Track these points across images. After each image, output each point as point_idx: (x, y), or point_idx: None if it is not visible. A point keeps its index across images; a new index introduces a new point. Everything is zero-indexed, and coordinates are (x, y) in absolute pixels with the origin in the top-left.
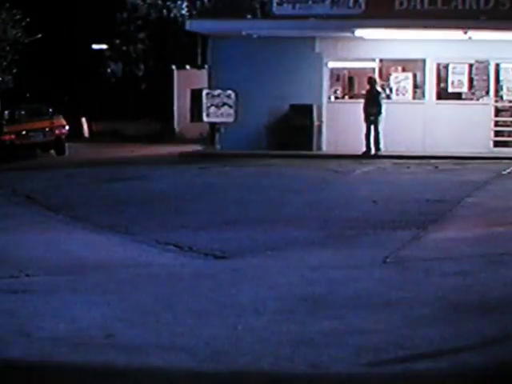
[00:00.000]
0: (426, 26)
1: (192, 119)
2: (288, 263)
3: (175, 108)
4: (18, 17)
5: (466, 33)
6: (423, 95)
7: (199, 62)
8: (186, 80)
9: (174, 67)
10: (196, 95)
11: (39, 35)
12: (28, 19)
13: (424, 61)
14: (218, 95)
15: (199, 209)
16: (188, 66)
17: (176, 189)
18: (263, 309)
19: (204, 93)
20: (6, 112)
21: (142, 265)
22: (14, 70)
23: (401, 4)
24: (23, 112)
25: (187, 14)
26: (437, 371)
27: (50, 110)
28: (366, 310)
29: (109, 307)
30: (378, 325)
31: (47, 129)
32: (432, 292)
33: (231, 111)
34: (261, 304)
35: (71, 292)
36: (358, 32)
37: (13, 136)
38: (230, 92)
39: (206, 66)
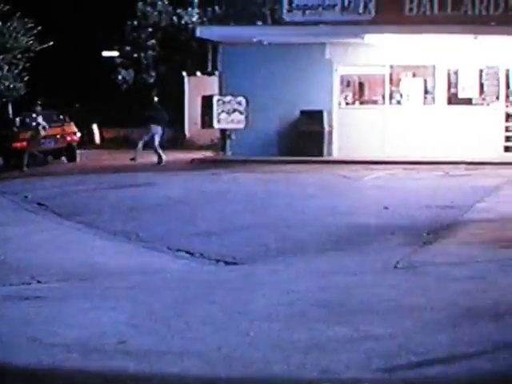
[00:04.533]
0: (435, 32)
1: (203, 126)
2: (300, 269)
3: (186, 114)
4: (29, 25)
5: (475, 38)
6: (433, 100)
7: (210, 68)
8: (197, 87)
9: (184, 74)
10: (207, 102)
11: (51, 43)
12: (39, 27)
13: (434, 66)
14: (229, 101)
15: (211, 215)
16: (199, 73)
17: (187, 195)
18: (275, 315)
19: (215, 99)
20: (18, 119)
21: (153, 271)
22: (26, 78)
23: (410, 10)
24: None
25: (198, 20)
26: (448, 377)
27: (61, 117)
28: (377, 315)
29: (121, 313)
30: (390, 330)
31: (58, 136)
32: (443, 297)
33: (242, 117)
34: (273, 310)
35: (83, 298)
36: (368, 38)
37: (24, 143)
38: (240, 98)
39: (217, 73)
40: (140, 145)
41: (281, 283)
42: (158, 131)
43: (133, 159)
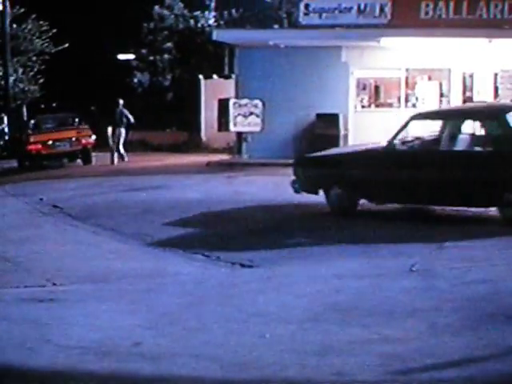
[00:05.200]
0: (450, 35)
1: (219, 129)
2: (314, 272)
3: (202, 117)
4: (44, 28)
5: (490, 42)
6: (449, 104)
7: (226, 71)
8: (213, 90)
9: (201, 77)
10: (223, 105)
11: (66, 45)
12: (54, 30)
13: (449, 70)
14: (245, 105)
15: (226, 217)
16: (215, 76)
17: (203, 198)
18: (290, 317)
19: (231, 102)
20: (32, 121)
21: (169, 274)
22: (41, 80)
23: (426, 13)
24: (49, 122)
25: (214, 24)
26: (463, 380)
27: (77, 119)
28: (392, 318)
29: (136, 316)
30: (405, 333)
31: (74, 138)
32: (458, 300)
33: (258, 120)
34: (288, 313)
35: (98, 301)
36: (384, 41)
37: (39, 146)
38: (256, 101)
39: (233, 76)
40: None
41: (296, 286)
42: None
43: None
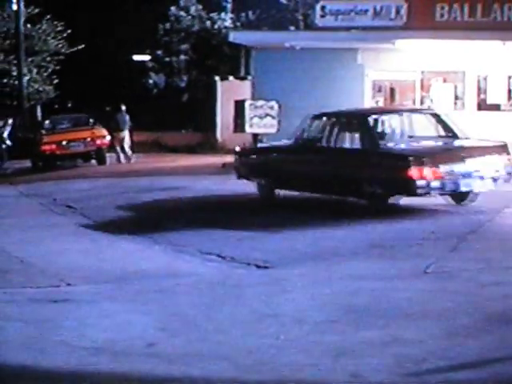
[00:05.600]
0: (465, 38)
1: (235, 130)
2: (330, 273)
3: (218, 119)
4: (58, 28)
5: (504, 44)
6: (463, 106)
7: (242, 73)
8: (229, 91)
9: (217, 78)
10: (239, 106)
11: (81, 46)
12: (69, 30)
13: (464, 72)
14: (261, 106)
15: (241, 219)
16: (231, 78)
17: (218, 198)
18: (305, 319)
19: (247, 104)
20: (47, 122)
21: (184, 274)
22: (56, 81)
23: (441, 16)
24: (64, 122)
25: (231, 25)
26: (477, 381)
27: (91, 120)
28: (406, 320)
29: (150, 316)
30: (419, 335)
31: (88, 139)
32: (472, 302)
33: (274, 122)
34: (303, 314)
35: (112, 301)
36: (399, 43)
37: (53, 146)
38: (272, 103)
39: (249, 77)
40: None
41: (311, 287)
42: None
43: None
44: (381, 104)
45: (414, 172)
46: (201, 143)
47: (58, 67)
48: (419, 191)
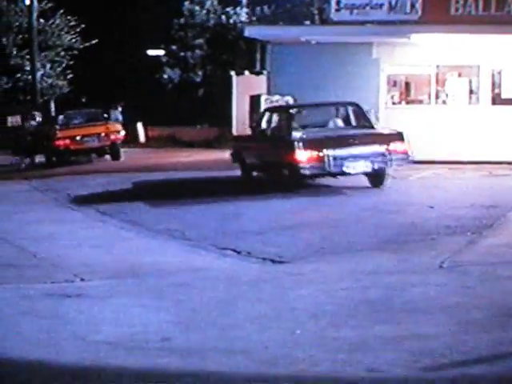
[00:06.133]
0: (480, 32)
1: (250, 125)
2: (345, 268)
3: (234, 114)
4: (72, 23)
5: None
6: (478, 101)
7: (258, 67)
8: (245, 86)
9: (232, 73)
10: (255, 101)
11: (95, 41)
12: (83, 25)
13: (478, 67)
14: (277, 101)
15: (257, 214)
16: (247, 72)
17: (233, 193)
18: (321, 313)
19: (263, 98)
20: (61, 117)
21: (199, 269)
22: (69, 76)
23: (456, 9)
24: (78, 117)
25: (246, 20)
26: (492, 375)
27: (105, 115)
28: (422, 314)
29: (165, 311)
30: (435, 329)
31: (102, 134)
32: (487, 297)
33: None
34: (318, 308)
35: (126, 296)
36: (414, 37)
37: (68, 141)
38: (288, 97)
39: (265, 72)
40: None
41: (326, 282)
42: None
43: None
44: (396, 98)
45: (298, 155)
46: (217, 138)
47: (71, 62)
48: (303, 171)
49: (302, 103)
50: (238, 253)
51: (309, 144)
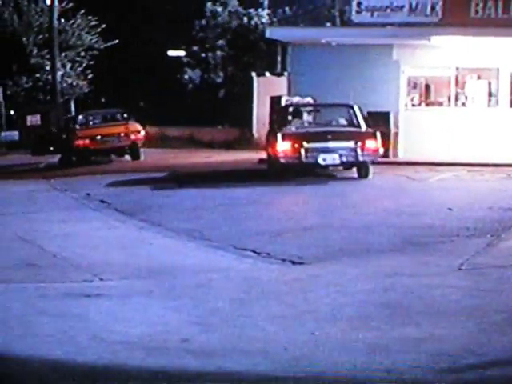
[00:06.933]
0: (499, 35)
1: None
2: (364, 270)
3: (254, 115)
4: (93, 23)
5: None
6: (497, 103)
7: (279, 69)
8: (266, 87)
9: (253, 74)
10: (275, 102)
11: (115, 41)
12: (104, 25)
13: (498, 69)
14: (297, 102)
15: (276, 214)
16: (268, 74)
17: (252, 194)
18: (340, 315)
19: (283, 100)
20: (81, 117)
21: (218, 270)
22: (90, 76)
23: (476, 12)
24: (98, 117)
25: (268, 21)
26: (510, 378)
27: (125, 115)
28: (441, 316)
29: (184, 312)
30: (454, 331)
31: (122, 134)
32: (506, 299)
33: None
34: (338, 310)
35: (146, 296)
36: (434, 39)
37: (87, 141)
38: (308, 99)
39: (286, 74)
40: None
41: (346, 284)
42: None
43: None
44: (416, 100)
45: (278, 147)
46: (237, 139)
47: (91, 62)
48: (282, 161)
49: (302, 103)
50: (258, 254)
51: (288, 137)
